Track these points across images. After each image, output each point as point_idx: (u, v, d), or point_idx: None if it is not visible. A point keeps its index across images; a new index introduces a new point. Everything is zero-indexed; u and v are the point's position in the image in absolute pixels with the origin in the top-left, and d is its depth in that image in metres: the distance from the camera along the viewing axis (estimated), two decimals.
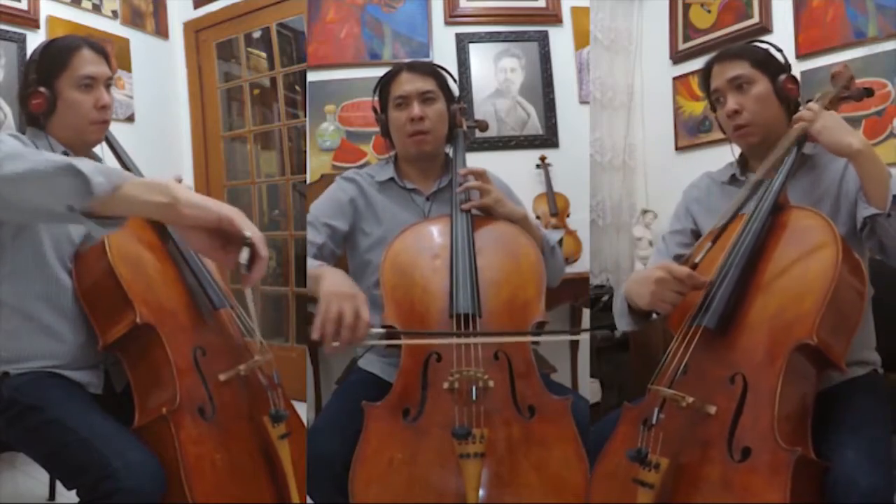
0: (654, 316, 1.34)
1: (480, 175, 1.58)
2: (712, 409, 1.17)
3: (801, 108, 1.42)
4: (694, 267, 1.25)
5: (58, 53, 1.42)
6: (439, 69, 1.69)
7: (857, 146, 1.26)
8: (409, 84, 1.63)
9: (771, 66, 1.46)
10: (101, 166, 0.98)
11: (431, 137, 1.64)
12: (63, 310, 1.38)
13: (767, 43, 1.51)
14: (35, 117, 1.43)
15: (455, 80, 1.73)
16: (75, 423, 1.24)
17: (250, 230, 1.03)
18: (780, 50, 1.50)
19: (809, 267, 1.23)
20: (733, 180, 1.54)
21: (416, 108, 1.61)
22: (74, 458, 1.21)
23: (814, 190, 1.42)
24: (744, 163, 1.55)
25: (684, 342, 1.25)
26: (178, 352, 1.32)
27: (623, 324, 1.47)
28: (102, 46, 1.47)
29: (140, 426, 1.26)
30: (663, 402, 1.20)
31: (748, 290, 1.26)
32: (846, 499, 1.08)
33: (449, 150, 1.75)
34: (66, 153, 1.42)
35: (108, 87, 1.46)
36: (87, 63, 1.42)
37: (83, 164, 0.96)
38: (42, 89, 1.40)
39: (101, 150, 1.54)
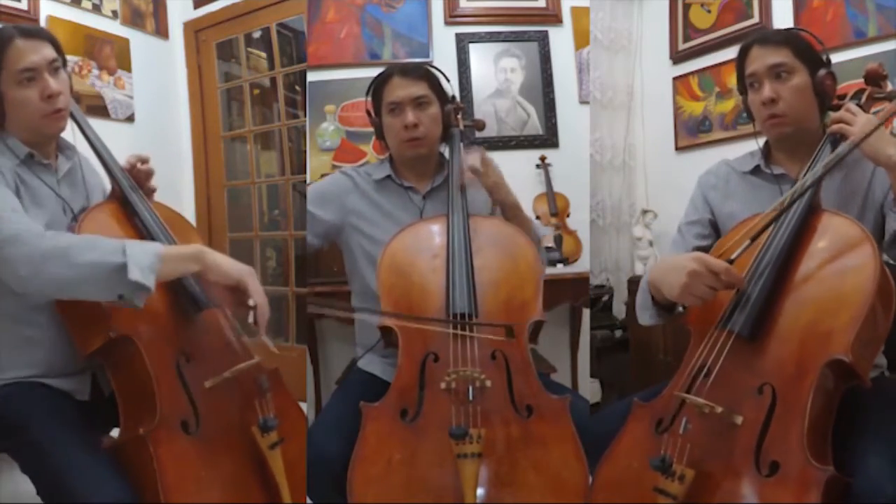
0: (680, 309, 1.27)
1: (481, 162, 1.58)
2: (739, 420, 1.12)
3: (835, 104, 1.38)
4: (730, 263, 1.19)
5: None
6: (431, 70, 1.68)
7: None
8: (401, 89, 1.62)
9: (812, 58, 1.41)
10: (141, 258, 1.14)
11: (426, 141, 1.65)
12: (46, 322, 1.33)
13: (809, 33, 1.46)
14: None
15: (448, 80, 1.73)
16: (53, 451, 1.20)
17: (257, 297, 1.24)
18: (821, 42, 1.45)
19: (846, 279, 1.17)
20: (756, 171, 1.49)
21: (410, 115, 1.61)
22: (51, 486, 1.19)
23: (842, 189, 1.39)
24: (767, 154, 1.50)
25: (714, 347, 1.20)
26: (158, 362, 1.25)
27: (646, 317, 1.42)
28: (39, 29, 1.38)
29: (119, 444, 1.22)
30: (680, 407, 1.16)
31: (779, 296, 1.21)
32: None
33: (444, 150, 1.74)
34: (30, 154, 1.36)
35: (55, 70, 1.34)
36: (22, 54, 1.30)
37: (135, 269, 1.12)
38: None
39: (73, 134, 1.45)
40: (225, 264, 1.23)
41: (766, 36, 1.45)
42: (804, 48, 1.42)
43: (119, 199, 1.43)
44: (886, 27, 2.32)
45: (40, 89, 1.32)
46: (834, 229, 1.24)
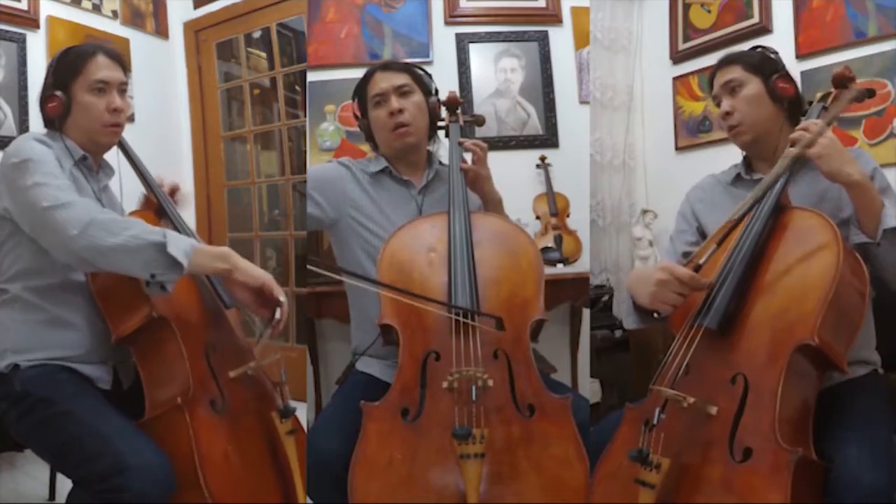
0: (657, 315, 1.34)
1: (483, 148, 1.67)
2: (713, 410, 1.17)
3: (802, 118, 1.42)
4: (697, 269, 1.25)
5: (74, 59, 1.46)
6: (413, 66, 1.74)
7: (855, 177, 1.27)
8: (384, 81, 1.67)
9: (765, 68, 1.50)
10: (179, 242, 1.23)
11: (413, 128, 1.68)
12: (75, 305, 1.40)
13: (762, 47, 1.56)
14: (51, 120, 1.46)
15: (429, 76, 1.76)
16: (89, 417, 1.26)
17: (282, 296, 1.33)
18: (775, 52, 1.54)
19: (811, 267, 1.23)
20: (738, 180, 1.57)
21: (395, 102, 1.65)
22: (86, 449, 1.21)
23: (815, 188, 1.43)
24: (748, 163, 1.57)
25: (685, 342, 1.25)
26: (190, 347, 1.34)
27: (629, 322, 1.49)
28: (118, 53, 1.51)
29: (152, 418, 1.28)
30: (665, 403, 1.20)
31: (749, 290, 1.27)
32: (849, 496, 1.09)
33: (433, 147, 1.78)
34: (84, 157, 1.46)
35: (122, 92, 1.48)
36: (101, 68, 1.45)
37: (172, 243, 1.21)
38: (58, 93, 1.44)
39: (117, 155, 1.57)
40: (251, 267, 1.32)
41: (721, 59, 1.57)
42: (756, 61, 1.51)
43: (155, 209, 1.55)
44: (886, 27, 2.32)
45: (107, 102, 1.45)
46: (800, 223, 1.30)
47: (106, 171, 1.57)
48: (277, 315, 1.34)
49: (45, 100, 1.46)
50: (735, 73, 1.51)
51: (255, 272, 1.32)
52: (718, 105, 1.55)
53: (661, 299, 1.26)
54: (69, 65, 1.45)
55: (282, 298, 1.33)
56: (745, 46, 1.62)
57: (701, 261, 1.26)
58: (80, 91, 1.44)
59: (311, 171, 1.74)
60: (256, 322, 1.44)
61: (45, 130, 1.48)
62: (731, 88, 1.51)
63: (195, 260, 1.25)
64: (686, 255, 1.56)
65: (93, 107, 1.44)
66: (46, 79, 1.47)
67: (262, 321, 1.38)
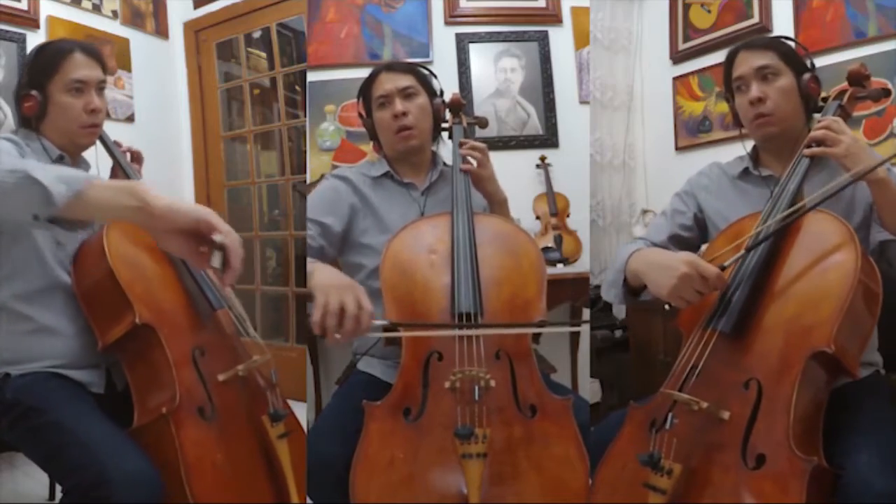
0: (668, 307, 1.29)
1: (483, 150, 1.65)
2: (726, 415, 1.15)
3: (819, 118, 1.40)
4: (721, 270, 1.21)
5: (50, 57, 1.42)
6: (418, 66, 1.73)
7: (881, 174, 1.25)
8: (388, 83, 1.66)
9: (796, 62, 1.46)
10: (62, 172, 0.99)
11: (417, 132, 1.66)
12: (63, 310, 1.38)
13: (793, 41, 1.51)
14: (27, 119, 1.43)
15: (434, 76, 1.76)
16: (76, 427, 1.23)
17: (224, 234, 1.01)
18: (805, 49, 1.51)
19: (827, 272, 1.20)
20: (745, 174, 1.53)
21: (399, 105, 1.64)
22: (72, 461, 1.20)
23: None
24: (755, 157, 1.54)
25: (699, 345, 1.23)
26: (177, 352, 1.32)
27: (611, 295, 1.46)
28: (96, 49, 1.46)
29: (140, 426, 1.26)
30: (673, 405, 1.18)
31: (763, 293, 1.24)
32: (860, 501, 1.07)
33: (436, 147, 1.77)
34: (61, 157, 1.44)
35: (100, 90, 1.45)
36: (79, 67, 1.41)
37: (42, 172, 0.96)
38: (34, 92, 1.40)
39: (96, 152, 1.53)
40: (175, 203, 1.00)
41: (751, 42, 1.50)
42: (788, 52, 1.47)
43: None
44: (886, 27, 2.33)
45: (85, 102, 1.42)
46: (816, 226, 1.27)
47: (82, 166, 1.53)
48: (216, 262, 1.00)
49: (20, 99, 1.42)
50: (770, 59, 1.44)
51: (181, 208, 0.99)
52: (738, 89, 1.48)
53: (680, 295, 1.21)
54: (45, 63, 1.41)
55: (219, 238, 1.00)
56: None
57: (726, 263, 1.22)
58: (56, 91, 1.40)
59: (314, 197, 1.68)
60: (245, 321, 1.42)
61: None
62: (765, 75, 1.43)
63: (90, 193, 0.97)
64: (673, 238, 1.54)
65: (70, 107, 1.40)
66: (21, 77, 1.43)
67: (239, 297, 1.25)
